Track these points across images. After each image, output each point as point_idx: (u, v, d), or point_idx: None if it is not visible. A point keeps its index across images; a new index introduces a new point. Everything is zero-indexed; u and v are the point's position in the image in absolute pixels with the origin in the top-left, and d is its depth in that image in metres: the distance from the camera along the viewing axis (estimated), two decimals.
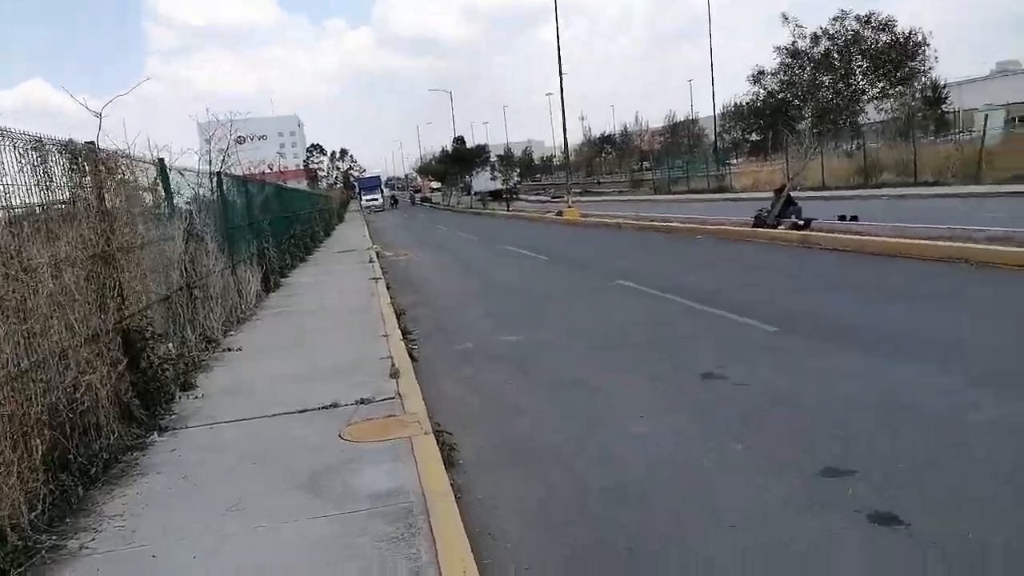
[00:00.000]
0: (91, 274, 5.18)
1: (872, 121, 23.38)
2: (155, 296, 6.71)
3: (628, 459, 4.69)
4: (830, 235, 13.40)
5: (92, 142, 5.54)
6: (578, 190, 60.05)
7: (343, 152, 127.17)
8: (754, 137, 72.04)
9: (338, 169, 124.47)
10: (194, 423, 5.78)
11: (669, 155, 66.47)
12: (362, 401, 5.90)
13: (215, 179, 11.08)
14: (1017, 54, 73.45)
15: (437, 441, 4.99)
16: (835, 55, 14.93)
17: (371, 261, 18.44)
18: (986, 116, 40.20)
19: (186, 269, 8.20)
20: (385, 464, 4.56)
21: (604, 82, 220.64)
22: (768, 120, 17.37)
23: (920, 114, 40.07)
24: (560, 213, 31.14)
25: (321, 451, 4.88)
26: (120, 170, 5.99)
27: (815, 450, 4.51)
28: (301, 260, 20.23)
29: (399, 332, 8.94)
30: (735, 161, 51.55)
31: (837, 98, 15.21)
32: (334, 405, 5.88)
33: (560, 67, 31.79)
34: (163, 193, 8.16)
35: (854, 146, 41.30)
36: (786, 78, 16.09)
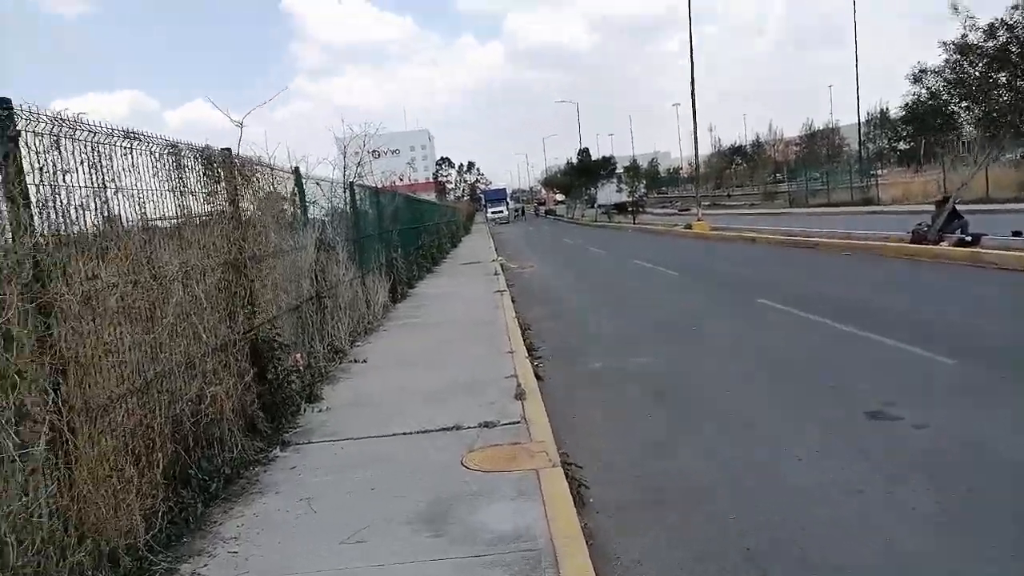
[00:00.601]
0: (222, 282, 5.13)
1: None
2: (285, 305, 6.68)
3: (789, 516, 4.02)
4: (1006, 253, 11.82)
5: (228, 149, 5.53)
6: (707, 203, 57.91)
7: (470, 165, 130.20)
8: (902, 146, 67.32)
9: (465, 181, 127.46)
10: (317, 438, 5.63)
11: (806, 166, 63.03)
12: (486, 424, 5.54)
13: (348, 189, 11.20)
14: None
15: (566, 475, 4.53)
16: (1013, 48, 13.26)
17: (496, 273, 18.31)
18: None
19: (317, 278, 8.22)
20: (509, 500, 4.14)
21: (735, 91, 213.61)
22: (922, 125, 15.63)
23: None
24: (689, 226, 29.99)
25: (442, 479, 4.53)
26: (255, 178, 5.98)
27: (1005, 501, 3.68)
28: (428, 271, 20.44)
29: (524, 348, 8.57)
30: (880, 172, 47.95)
31: (1016, 97, 13.49)
32: (457, 427, 5.55)
33: (692, 74, 30.66)
34: (298, 202, 8.22)
35: (1020, 154, 37.32)
36: (953, 76, 14.51)
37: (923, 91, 14.78)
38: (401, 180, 19.45)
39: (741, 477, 4.60)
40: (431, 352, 8.78)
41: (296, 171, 8.23)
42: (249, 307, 5.52)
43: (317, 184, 10.05)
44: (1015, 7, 13.07)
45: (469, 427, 5.55)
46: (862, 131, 67.82)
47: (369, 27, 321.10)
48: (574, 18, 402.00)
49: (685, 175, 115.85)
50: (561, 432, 5.71)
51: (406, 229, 18.11)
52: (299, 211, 8.18)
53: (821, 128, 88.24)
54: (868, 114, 66.80)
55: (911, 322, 8.61)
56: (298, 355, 6.75)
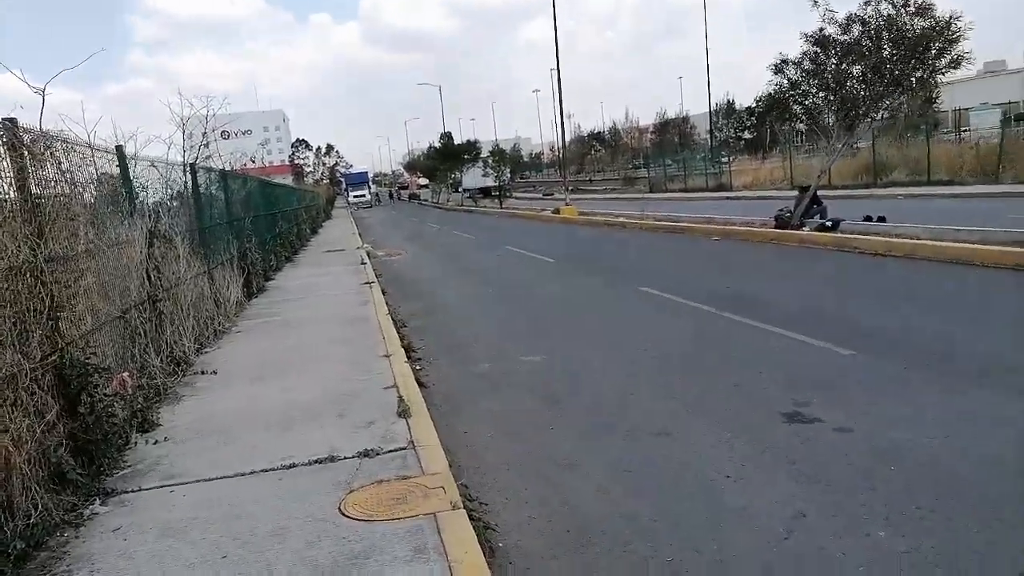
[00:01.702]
0: (5, 295, 3.87)
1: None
2: (106, 316, 5.39)
3: (739, 553, 3.45)
4: (869, 238, 12.24)
5: (12, 119, 4.22)
6: (570, 188, 58.80)
7: (329, 147, 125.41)
8: (747, 135, 71.38)
9: (324, 165, 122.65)
10: (150, 482, 4.48)
11: (662, 152, 65.40)
12: (366, 454, 4.63)
13: (189, 171, 9.73)
14: (1004, 54, 72.94)
15: (470, 518, 3.74)
16: (865, 42, 13.75)
17: (363, 262, 17.12)
18: (1009, 114, 39.34)
19: (150, 278, 6.88)
20: (404, 562, 3.30)
21: (591, 80, 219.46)
22: (782, 113, 16.07)
23: (914, 113, 39.10)
24: (557, 211, 29.90)
25: (317, 536, 3.60)
26: (54, 157, 4.67)
27: (1002, 539, 3.30)
28: (287, 260, 18.89)
29: (402, 350, 7.67)
30: (730, 159, 50.43)
31: (867, 88, 14.04)
32: (331, 458, 4.61)
33: (558, 57, 30.49)
34: (122, 188, 6.83)
35: (856, 144, 40.42)
36: (811, 67, 14.92)
37: (784, 81, 15.08)
38: (253, 162, 17.71)
39: (673, 503, 4.00)
40: (294, 357, 7.67)
41: (119, 150, 6.83)
42: (50, 324, 4.27)
43: (152, 166, 8.60)
44: (867, 2, 13.54)
45: (346, 457, 4.62)
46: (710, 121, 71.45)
47: (215, 1, 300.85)
48: (433, 2, 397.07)
49: (547, 160, 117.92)
50: (456, 454, 4.93)
51: (261, 216, 16.51)
52: (123, 199, 6.79)
53: (673, 117, 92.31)
54: (716, 105, 70.14)
55: (795, 310, 8.51)
56: (124, 375, 5.49)
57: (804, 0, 13.85)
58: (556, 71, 30.63)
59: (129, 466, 4.79)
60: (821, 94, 15.09)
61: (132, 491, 4.37)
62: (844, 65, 14.19)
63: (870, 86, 14.01)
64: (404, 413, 5.36)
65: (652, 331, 8.14)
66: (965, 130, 36.66)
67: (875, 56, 13.59)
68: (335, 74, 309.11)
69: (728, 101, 75.89)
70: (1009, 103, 43.97)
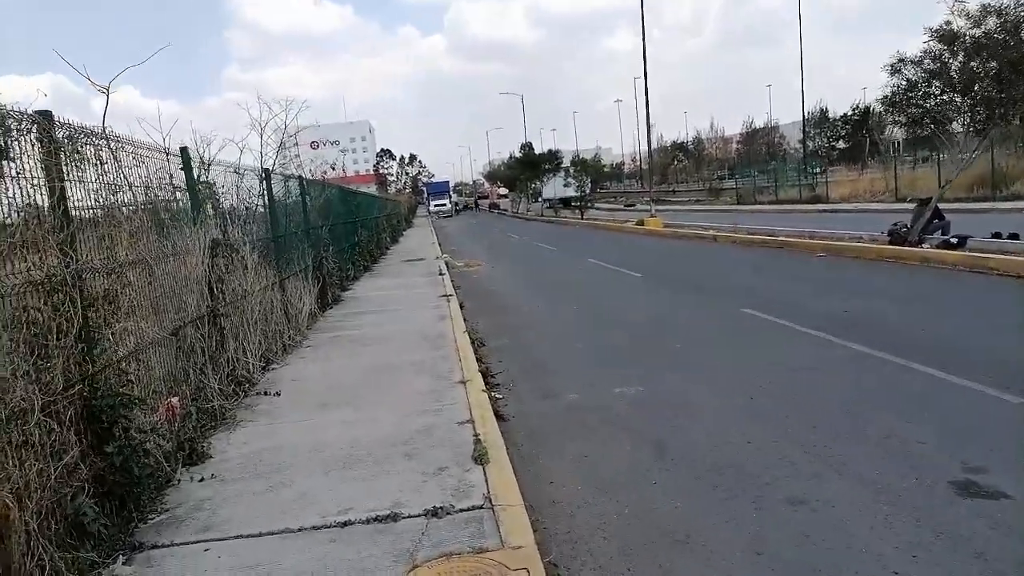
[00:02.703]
0: (25, 314, 3.29)
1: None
2: (154, 335, 4.83)
3: None
4: (1009, 258, 10.71)
5: (46, 112, 3.66)
6: (654, 198, 57.23)
7: (412, 157, 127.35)
8: (841, 144, 68.03)
9: (407, 174, 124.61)
10: (185, 535, 3.84)
11: (749, 163, 62.95)
12: (435, 512, 3.85)
13: (263, 178, 9.30)
14: None
15: None
16: (1002, 36, 12.20)
17: (441, 273, 16.56)
18: None
19: (212, 290, 6.36)
20: None
21: (675, 89, 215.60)
22: (902, 116, 14.54)
23: None
24: (642, 223, 28.75)
25: None
26: (96, 156, 4.12)
27: None
28: (366, 270, 18.57)
29: (479, 375, 6.91)
30: (818, 170, 47.81)
31: (1003, 89, 12.46)
32: (393, 516, 3.85)
33: (645, 62, 29.41)
34: (185, 193, 6.34)
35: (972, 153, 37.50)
36: (934, 67, 13.43)
37: (903, 82, 13.63)
38: (333, 169, 17.47)
39: None
40: (363, 381, 7.02)
41: (184, 152, 6.34)
42: (80, 347, 3.68)
43: (238, 173, 8.21)
44: None
45: (410, 515, 3.85)
46: (803, 129, 68.38)
47: (306, 15, 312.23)
48: (516, 12, 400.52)
49: (628, 171, 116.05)
50: (540, 513, 4.11)
51: (340, 224, 16.18)
52: (187, 204, 6.30)
53: (761, 126, 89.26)
54: (808, 113, 67.09)
55: (935, 343, 7.28)
56: (173, 400, 4.92)
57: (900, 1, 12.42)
58: (644, 76, 29.45)
59: (167, 510, 4.17)
60: (945, 96, 13.55)
61: (163, 546, 3.73)
62: (975, 63, 12.66)
63: (1007, 86, 12.43)
64: (481, 458, 4.57)
65: (765, 363, 7.08)
66: None
67: (1014, 52, 12.04)
68: (419, 85, 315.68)
69: (821, 109, 72.58)
70: None
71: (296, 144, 14.50)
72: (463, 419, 5.46)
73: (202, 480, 4.58)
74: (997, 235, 13.91)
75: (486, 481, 4.25)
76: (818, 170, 43.89)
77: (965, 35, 12.46)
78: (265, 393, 6.63)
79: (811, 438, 5.02)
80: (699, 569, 3.47)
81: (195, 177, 6.49)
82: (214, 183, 7.79)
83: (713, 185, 62.15)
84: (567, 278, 15.98)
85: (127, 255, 4.35)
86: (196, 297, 5.89)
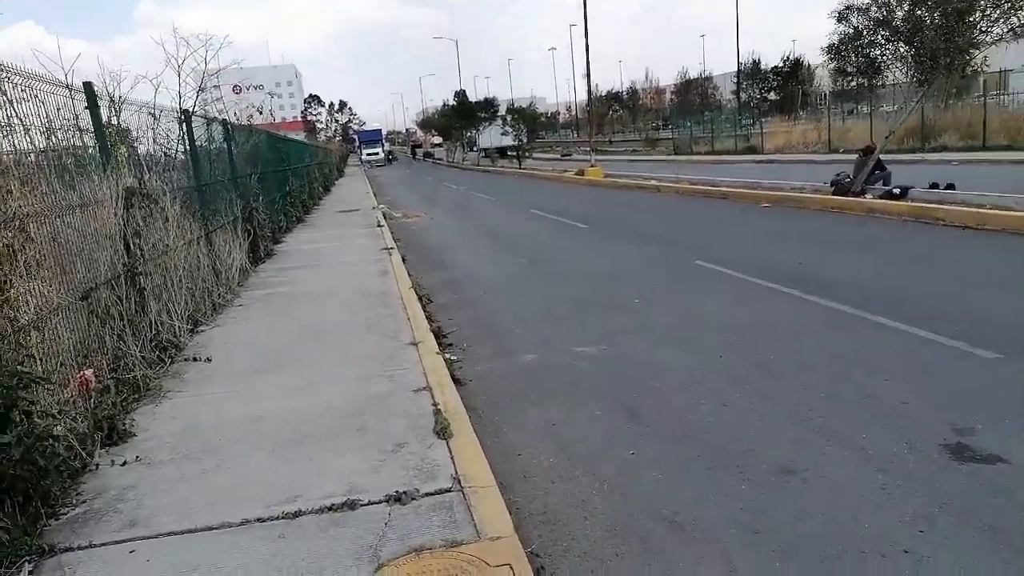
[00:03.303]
0: None
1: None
2: (59, 298, 4.16)
3: None
4: (953, 208, 10.78)
5: None
6: (587, 148, 56.93)
7: (342, 104, 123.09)
8: (773, 96, 68.93)
9: (337, 122, 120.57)
10: (106, 534, 3.30)
11: (683, 113, 63.09)
12: (398, 498, 3.41)
13: (183, 121, 8.42)
14: None
15: None
16: None
17: (379, 224, 15.84)
18: None
19: (129, 246, 5.64)
20: None
21: (610, 39, 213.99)
22: (843, 66, 14.45)
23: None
24: (581, 173, 28.38)
25: None
26: None
27: None
28: (298, 221, 17.66)
29: (431, 336, 6.44)
30: (750, 121, 48.18)
31: (948, 39, 12.42)
32: (350, 504, 3.39)
33: (585, 6, 28.67)
34: (92, 136, 5.55)
35: (915, 104, 38.13)
36: (879, 15, 13.30)
37: (849, 30, 13.48)
38: (260, 114, 16.38)
39: None
40: (303, 343, 6.45)
41: (88, 87, 5.52)
42: None
43: (155, 113, 7.36)
44: None
45: (369, 502, 3.41)
46: (734, 82, 68.84)
47: None
48: None
49: (563, 121, 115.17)
50: (511, 491, 3.74)
51: (269, 173, 15.20)
52: (96, 149, 5.51)
53: (695, 77, 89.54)
54: (742, 65, 67.39)
55: (899, 296, 7.16)
56: (87, 372, 4.29)
57: None
58: (584, 19, 28.73)
59: (84, 502, 3.61)
60: (890, 46, 13.47)
61: (79, 548, 3.19)
62: (920, 11, 12.56)
63: (951, 35, 12.40)
64: (443, 432, 4.13)
65: (728, 318, 6.84)
66: (996, 94, 34.33)
67: (960, 1, 11.98)
68: (348, 32, 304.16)
69: (753, 60, 73.08)
70: None
71: (218, 87, 13.47)
72: (419, 386, 5.01)
73: (124, 464, 4.01)
74: (935, 186, 14.08)
75: (452, 459, 3.82)
76: (751, 121, 44.24)
77: None
78: (194, 359, 6.00)
79: (788, 399, 4.77)
80: (695, 551, 3.16)
81: (103, 117, 5.67)
82: (127, 126, 6.96)
83: (649, 136, 62.22)
84: (511, 229, 15.52)
85: (18, 207, 3.65)
86: (110, 254, 5.19)
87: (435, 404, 4.62)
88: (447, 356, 6.13)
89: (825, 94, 69.27)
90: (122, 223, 5.54)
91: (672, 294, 8.10)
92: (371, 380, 5.22)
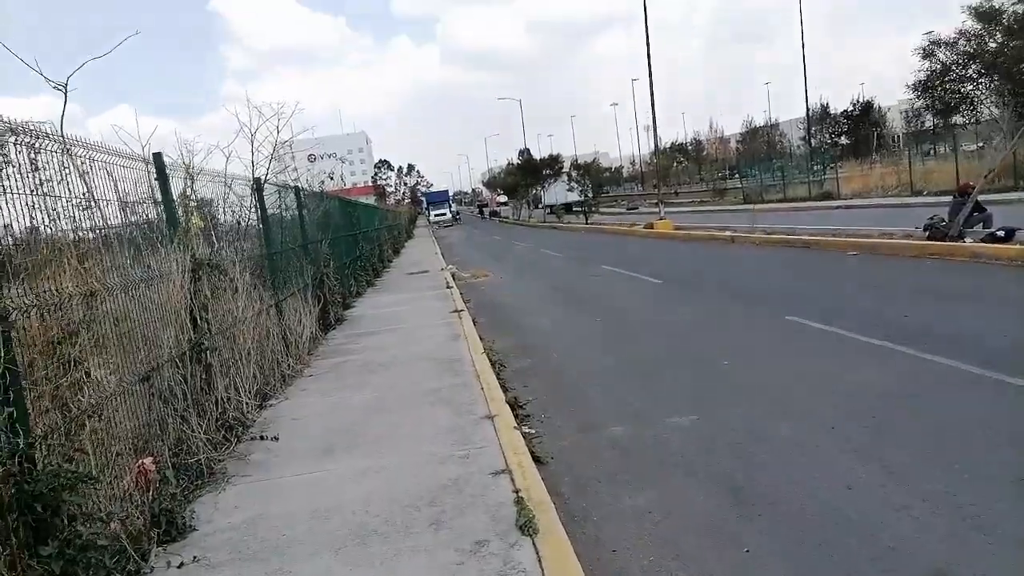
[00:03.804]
0: None
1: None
2: (117, 382, 3.92)
3: None
4: None
5: None
6: (654, 201, 56.35)
7: (410, 167, 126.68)
8: (843, 140, 67.32)
9: (405, 184, 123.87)
10: None
11: (751, 162, 62.03)
12: None
13: (254, 189, 8.41)
14: None
15: None
16: None
17: (448, 286, 15.65)
18: None
19: (195, 319, 5.45)
20: None
21: (671, 90, 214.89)
22: (933, 103, 13.64)
23: None
24: (651, 226, 27.80)
25: None
26: (27, 157, 3.23)
27: None
28: (368, 285, 17.67)
29: (508, 408, 5.99)
30: (819, 166, 46.78)
31: None
32: None
33: (649, 57, 28.58)
34: (161, 206, 5.45)
35: (979, 146, 36.60)
36: (970, 48, 12.54)
37: (937, 66, 12.76)
38: (331, 179, 16.61)
39: None
40: (372, 417, 6.10)
41: (157, 157, 5.44)
42: (9, 411, 2.77)
43: (211, 182, 7.31)
44: None
45: None
46: (802, 127, 67.54)
47: (300, 28, 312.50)
48: (508, 19, 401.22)
49: (627, 174, 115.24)
50: None
51: (340, 237, 15.30)
52: (163, 219, 5.40)
53: (761, 125, 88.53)
54: (810, 110, 66.14)
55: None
56: (145, 461, 4.01)
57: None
58: (648, 74, 28.59)
59: None
60: (984, 80, 12.65)
61: None
62: (1016, 41, 11.77)
63: None
64: (528, 527, 3.64)
65: (832, 381, 6.16)
66: None
67: None
68: (415, 96, 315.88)
69: (822, 105, 71.70)
70: None
71: (292, 156, 13.69)
72: (497, 468, 4.55)
73: (181, 566, 3.67)
74: None
75: (539, 561, 3.33)
76: (822, 166, 42.93)
77: (1007, 11, 11.59)
78: (261, 437, 5.72)
79: (925, 480, 4.09)
80: None
81: (174, 188, 5.58)
82: (200, 197, 6.91)
83: (716, 185, 61.30)
84: (583, 287, 15.06)
85: (74, 287, 3.44)
86: (175, 330, 4.99)
87: (516, 491, 4.14)
88: (525, 430, 5.67)
89: (898, 136, 67.20)
90: (189, 296, 5.36)
91: (764, 354, 7.44)
92: (446, 461, 4.79)
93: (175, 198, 5.97)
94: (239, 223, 8.30)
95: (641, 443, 5.32)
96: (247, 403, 6.12)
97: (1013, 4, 11.41)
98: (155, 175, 5.46)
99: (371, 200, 61.42)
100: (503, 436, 5.18)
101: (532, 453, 4.99)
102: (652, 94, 29.08)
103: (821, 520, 3.80)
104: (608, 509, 4.28)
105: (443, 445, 5.14)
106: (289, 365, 7.91)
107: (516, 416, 5.94)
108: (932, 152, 43.15)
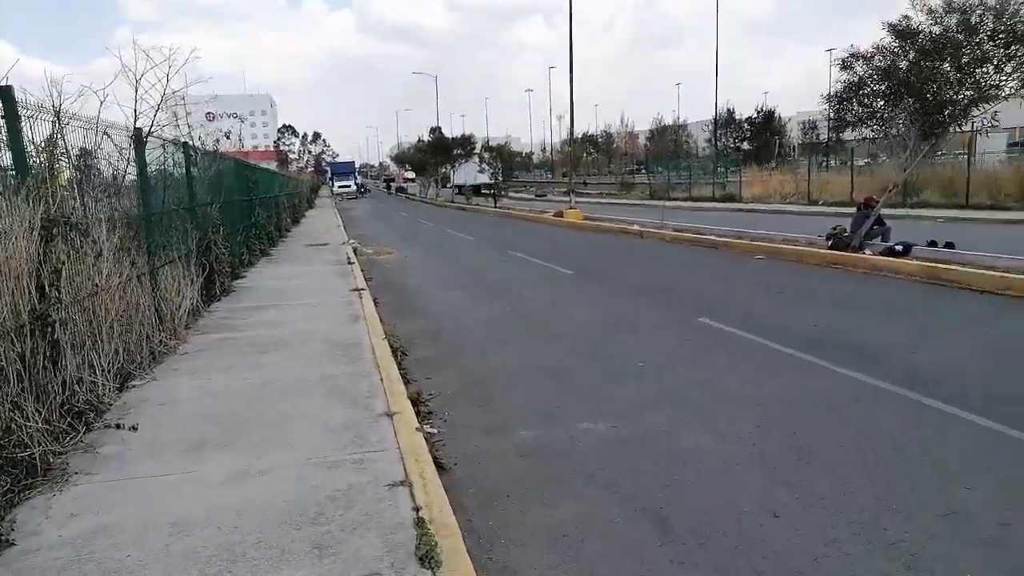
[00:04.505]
0: None
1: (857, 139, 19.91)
2: None
3: None
4: (967, 270, 10.09)
5: None
6: (563, 189, 56.61)
7: (316, 135, 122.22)
8: (746, 146, 69.94)
9: (310, 152, 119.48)
10: None
11: (658, 159, 63.38)
12: None
13: (134, 141, 7.41)
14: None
15: None
16: (958, 35, 11.65)
17: (350, 262, 14.81)
18: (1017, 139, 37.75)
19: (43, 287, 4.57)
20: None
21: (586, 83, 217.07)
22: (840, 116, 13.92)
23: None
24: (561, 214, 27.70)
25: None
26: None
27: None
28: (263, 254, 16.53)
29: (409, 405, 5.42)
30: (723, 169, 48.34)
31: (955, 91, 11.97)
32: None
33: (571, 48, 28.33)
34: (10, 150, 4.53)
35: (866, 161, 38.54)
36: (884, 64, 12.83)
37: (854, 78, 12.99)
38: (228, 139, 15.38)
39: None
40: (254, 408, 5.39)
41: (6, 92, 4.50)
42: None
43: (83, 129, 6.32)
44: None
45: None
46: (708, 129, 69.67)
47: None
48: None
49: (537, 161, 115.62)
50: None
51: (235, 202, 14.14)
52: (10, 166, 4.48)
53: (670, 124, 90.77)
54: (717, 114, 68.14)
55: (945, 372, 6.36)
56: None
57: (802, 12, 11.78)
58: (569, 64, 28.32)
59: None
60: (892, 96, 12.95)
61: None
62: (928, 63, 12.07)
63: (956, 89, 11.94)
64: (428, 559, 3.11)
65: (751, 392, 5.94)
66: (960, 153, 34.63)
67: (967, 54, 11.53)
68: (326, 63, 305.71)
69: (728, 110, 74.14)
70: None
71: (187, 111, 12.51)
72: (395, 478, 3.99)
73: None
74: (933, 244, 13.54)
75: None
76: (726, 169, 44.22)
77: (923, 32, 11.87)
78: (116, 426, 4.90)
79: (853, 509, 3.85)
80: None
81: (22, 128, 4.65)
82: (64, 143, 5.92)
83: (625, 179, 62.24)
84: (492, 273, 14.58)
85: None
86: (9, 299, 4.12)
87: (416, 508, 3.61)
88: (428, 429, 5.14)
89: (795, 146, 70.42)
90: (37, 259, 4.48)
91: (680, 358, 7.18)
92: (336, 467, 4.18)
93: (38, 144, 5.06)
94: (115, 178, 7.31)
95: (554, 449, 4.89)
96: (103, 385, 5.27)
97: (930, 24, 11.58)
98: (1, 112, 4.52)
99: (272, 166, 58.70)
100: (403, 438, 4.61)
101: (435, 459, 4.45)
102: (571, 84, 28.88)
103: (749, 553, 3.47)
104: (518, 529, 3.81)
105: (335, 446, 4.53)
106: (161, 340, 7.02)
107: (418, 413, 5.39)
108: (825, 164, 45.28)
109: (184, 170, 9.93)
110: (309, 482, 3.98)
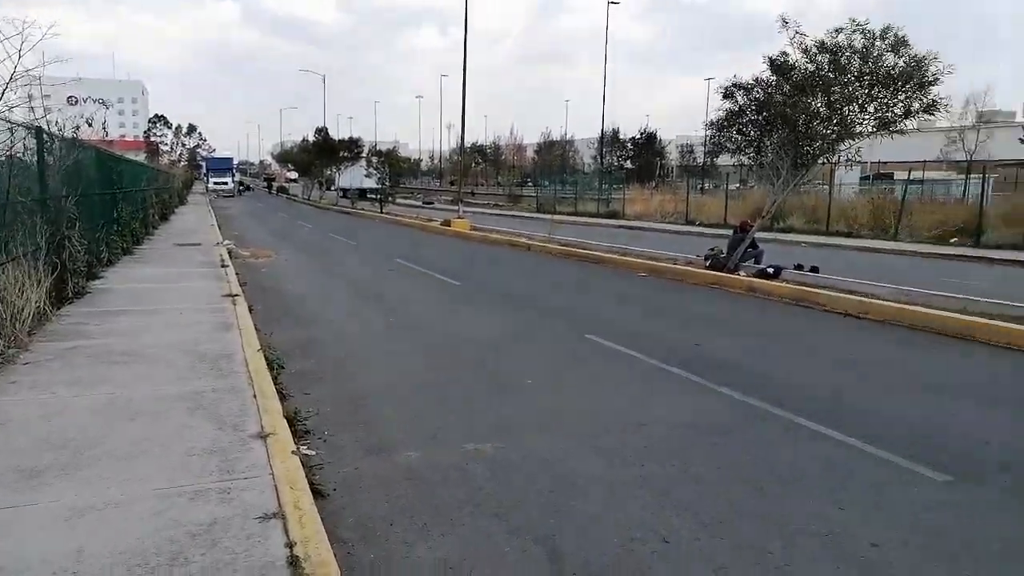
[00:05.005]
0: None
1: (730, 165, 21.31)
2: None
3: None
4: (832, 294, 10.73)
5: None
6: (450, 198, 56.50)
7: (191, 128, 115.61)
8: (629, 164, 72.57)
9: (184, 145, 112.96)
10: None
11: (546, 173, 64.56)
12: None
13: None
14: None
15: None
16: (829, 73, 12.47)
17: (223, 264, 13.93)
18: (868, 174, 41.19)
19: None
20: None
21: (477, 94, 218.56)
22: (721, 145, 14.56)
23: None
24: (448, 223, 27.50)
25: None
26: None
27: None
28: (125, 252, 15.28)
29: (286, 423, 5.03)
30: (608, 187, 50.00)
31: (824, 126, 12.79)
32: None
33: (465, 55, 28.25)
34: None
35: (737, 186, 40.92)
36: (762, 96, 13.53)
37: (735, 107, 13.62)
38: (90, 126, 14.12)
39: None
40: (107, 429, 4.81)
41: None
42: None
43: None
44: (837, 30, 12.28)
45: None
46: (594, 146, 71.71)
47: None
48: None
49: (425, 168, 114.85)
50: None
51: (95, 195, 12.96)
52: None
53: (558, 139, 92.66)
54: (603, 133, 70.34)
55: (814, 393, 6.64)
56: None
57: (686, 43, 12.49)
58: (463, 71, 28.21)
59: None
60: (768, 126, 13.67)
61: None
62: (801, 97, 12.81)
63: (826, 123, 12.76)
64: None
65: (639, 412, 5.94)
66: (820, 184, 37.35)
67: (837, 92, 12.33)
68: (207, 53, 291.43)
69: (613, 129, 76.66)
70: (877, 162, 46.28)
71: (43, 92, 11.38)
72: (268, 510, 3.62)
73: None
74: (799, 267, 14.41)
75: None
76: (610, 186, 45.66)
77: (797, 68, 12.59)
78: None
79: (739, 535, 3.86)
80: None
81: None
82: None
83: (513, 191, 62.87)
84: (376, 281, 14.14)
85: None
86: None
87: (290, 545, 3.27)
88: (305, 451, 4.77)
89: (672, 168, 73.76)
90: None
91: (568, 375, 7.13)
92: (199, 498, 3.76)
93: None
94: None
95: (440, 473, 4.65)
96: None
97: (804, 62, 12.29)
98: None
99: (141, 157, 55.02)
100: (278, 463, 4.24)
101: (312, 485, 4.11)
102: (464, 95, 28.79)
103: None
104: (402, 565, 3.54)
105: (198, 473, 4.08)
106: None
107: (295, 433, 5.01)
108: (701, 188, 47.66)
109: (36, 158, 8.94)
110: (166, 516, 3.55)
